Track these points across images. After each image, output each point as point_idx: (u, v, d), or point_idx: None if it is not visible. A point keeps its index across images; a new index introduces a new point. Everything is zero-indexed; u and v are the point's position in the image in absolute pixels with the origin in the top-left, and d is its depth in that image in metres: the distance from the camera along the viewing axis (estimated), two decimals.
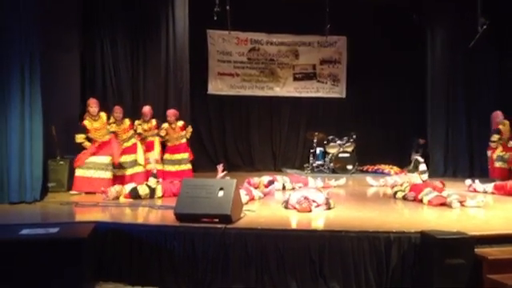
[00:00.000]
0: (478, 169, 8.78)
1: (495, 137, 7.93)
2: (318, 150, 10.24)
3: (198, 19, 9.16)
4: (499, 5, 8.70)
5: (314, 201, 5.19)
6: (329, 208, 5.23)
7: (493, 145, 7.97)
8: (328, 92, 11.22)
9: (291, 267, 4.04)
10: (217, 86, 10.56)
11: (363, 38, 10.60)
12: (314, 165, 10.06)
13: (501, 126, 7.99)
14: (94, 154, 6.62)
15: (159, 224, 4.48)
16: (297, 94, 11.09)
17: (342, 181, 7.88)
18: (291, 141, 11.05)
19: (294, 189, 6.84)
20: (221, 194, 4.37)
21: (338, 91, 11.25)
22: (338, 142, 10.05)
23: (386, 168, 9.58)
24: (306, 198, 5.16)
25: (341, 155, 9.85)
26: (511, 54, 9.01)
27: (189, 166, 7.84)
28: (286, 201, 5.37)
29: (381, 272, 3.98)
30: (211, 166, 9.89)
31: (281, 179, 7.23)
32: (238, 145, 10.69)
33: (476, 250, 3.79)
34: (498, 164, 7.91)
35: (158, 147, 7.53)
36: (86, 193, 6.36)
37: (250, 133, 10.75)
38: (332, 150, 10.00)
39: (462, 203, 5.34)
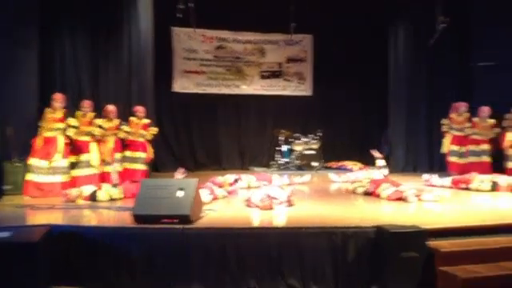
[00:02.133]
0: (438, 164, 9.01)
1: (444, 120, 8.19)
2: (285, 147, 10.33)
3: (163, 16, 9.05)
4: (459, 2, 8.96)
5: (275, 198, 5.21)
6: (290, 205, 5.26)
7: (443, 127, 8.25)
8: (294, 90, 11.30)
9: (250, 265, 4.04)
10: (182, 84, 10.48)
11: (328, 37, 10.72)
12: (281, 162, 10.15)
13: (454, 115, 8.17)
14: (43, 157, 6.37)
15: (115, 226, 4.40)
16: (263, 92, 11.12)
17: (307, 178, 7.95)
18: (258, 139, 11.07)
19: (259, 187, 6.86)
20: (180, 194, 4.33)
21: (303, 89, 11.34)
22: (304, 139, 10.16)
23: (349, 164, 9.77)
24: (268, 196, 5.18)
25: (306, 152, 9.99)
26: (472, 52, 9.29)
27: (144, 167, 7.76)
28: (248, 199, 5.38)
29: (338, 267, 4.02)
30: (177, 166, 9.87)
31: (246, 178, 7.24)
32: (205, 143, 10.63)
33: (429, 242, 3.89)
34: (452, 159, 8.16)
35: (109, 147, 7.30)
36: (38, 197, 6.13)
37: (216, 131, 10.71)
38: (298, 148, 10.11)
39: (418, 197, 5.47)
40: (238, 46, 10.85)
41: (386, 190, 5.68)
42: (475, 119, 8.07)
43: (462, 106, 8.23)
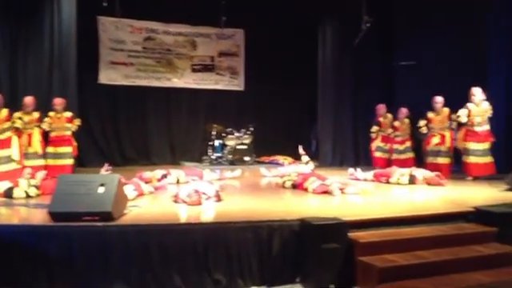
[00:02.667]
0: (363, 158, 9.40)
1: (374, 128, 8.57)
2: (217, 142, 10.29)
3: (89, 5, 8.66)
4: (383, 3, 9.36)
5: (204, 193, 5.15)
6: (219, 200, 5.23)
7: (372, 135, 8.61)
8: (227, 84, 11.27)
9: (176, 262, 3.97)
10: (109, 76, 10.06)
11: (260, 32, 10.74)
12: (213, 157, 10.11)
13: (381, 119, 8.63)
14: None
15: (31, 224, 4.14)
16: (195, 86, 10.97)
17: (238, 172, 7.96)
18: (190, 133, 10.92)
19: (188, 182, 6.76)
20: (101, 190, 4.16)
21: (236, 84, 11.34)
22: (236, 134, 10.18)
23: (280, 159, 9.93)
24: (196, 191, 5.11)
25: (238, 147, 10.01)
26: (395, 52, 9.74)
27: (70, 161, 7.44)
28: (176, 195, 5.28)
29: (263, 260, 4.06)
30: (104, 161, 9.51)
31: (175, 173, 7.11)
32: (133, 138, 10.30)
33: (350, 234, 4.03)
34: (378, 154, 8.58)
35: (37, 139, 6.98)
36: None
37: (146, 125, 10.42)
38: (230, 143, 10.11)
39: (342, 190, 5.66)
40: (168, 38, 10.60)
41: (312, 183, 5.82)
42: (396, 123, 8.49)
43: (382, 108, 8.64)
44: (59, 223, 3.99)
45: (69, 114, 7.56)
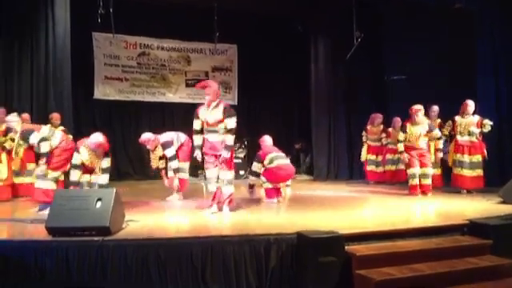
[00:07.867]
0: (357, 172, 9.46)
1: (364, 133, 8.74)
2: None
3: (84, 21, 8.77)
4: (373, 19, 9.51)
5: None
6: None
7: (363, 138, 8.75)
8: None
9: (173, 276, 3.98)
10: (104, 91, 10.12)
11: (253, 47, 10.90)
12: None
13: (369, 126, 8.71)
14: None
15: (27, 239, 4.13)
16: (190, 101, 11.00)
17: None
18: None
19: None
20: (99, 204, 4.17)
21: (230, 98, 11.39)
22: None
23: None
24: None
25: (233, 161, 9.99)
26: (385, 66, 9.87)
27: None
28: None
29: (260, 273, 4.07)
30: None
31: None
32: (129, 152, 10.32)
33: (346, 247, 4.06)
34: (370, 168, 8.64)
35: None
36: None
37: None
38: None
39: None
40: (162, 54, 10.70)
41: None
42: (390, 129, 8.53)
43: (378, 118, 8.72)
44: (56, 238, 3.99)
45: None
